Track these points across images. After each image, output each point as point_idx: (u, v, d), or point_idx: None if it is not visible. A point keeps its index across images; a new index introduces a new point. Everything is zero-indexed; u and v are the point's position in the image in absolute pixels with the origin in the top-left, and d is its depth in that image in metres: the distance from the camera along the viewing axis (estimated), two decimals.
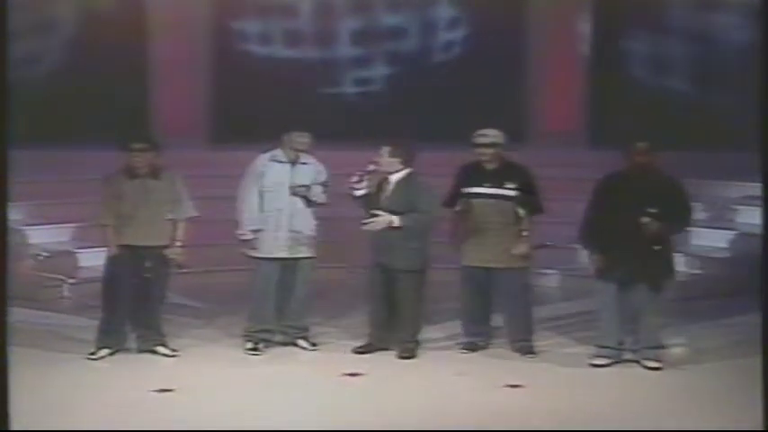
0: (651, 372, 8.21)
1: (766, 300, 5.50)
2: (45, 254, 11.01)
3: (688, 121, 12.99)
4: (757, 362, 5.50)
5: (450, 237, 8.80)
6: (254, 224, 8.61)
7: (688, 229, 8.65)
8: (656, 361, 8.24)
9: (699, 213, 8.45)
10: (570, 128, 13.84)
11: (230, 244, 8.99)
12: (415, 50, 14.71)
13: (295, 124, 8.80)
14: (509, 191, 8.60)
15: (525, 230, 8.62)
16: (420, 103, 14.15)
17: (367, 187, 8.53)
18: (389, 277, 8.58)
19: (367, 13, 14.64)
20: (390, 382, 8.04)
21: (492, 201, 8.62)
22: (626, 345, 8.38)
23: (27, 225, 11.10)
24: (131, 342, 8.64)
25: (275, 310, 8.76)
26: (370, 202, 8.53)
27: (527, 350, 8.68)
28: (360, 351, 8.67)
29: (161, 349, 8.59)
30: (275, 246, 8.64)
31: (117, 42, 13.69)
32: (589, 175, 8.86)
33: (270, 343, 8.77)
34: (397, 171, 8.55)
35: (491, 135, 8.66)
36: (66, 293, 10.53)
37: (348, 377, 8.07)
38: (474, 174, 8.70)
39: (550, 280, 10.88)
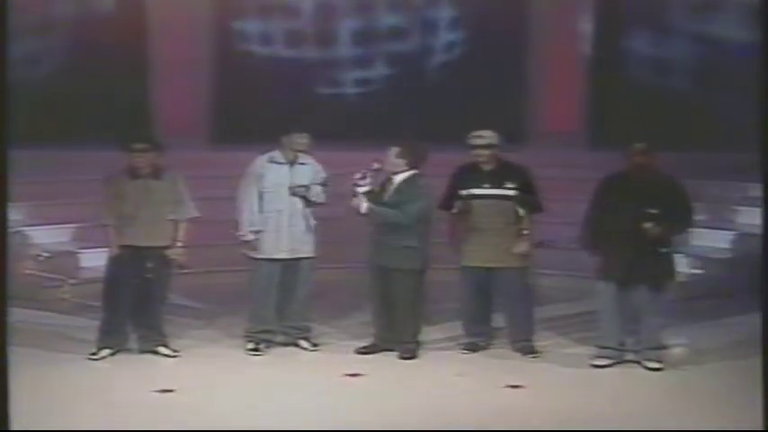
0: (652, 372, 8.21)
1: (766, 300, 5.50)
2: (45, 254, 11.00)
3: (689, 122, 12.99)
4: (757, 362, 5.50)
5: (448, 238, 8.80)
6: (255, 225, 8.61)
7: (690, 230, 8.62)
8: (657, 361, 8.25)
9: (699, 214, 8.43)
10: (570, 128, 13.84)
11: (231, 244, 8.99)
12: (415, 51, 14.72)
13: (294, 125, 8.81)
14: (509, 190, 8.61)
15: (526, 229, 8.63)
16: (420, 104, 14.15)
17: (370, 185, 8.53)
18: (386, 277, 8.58)
19: (367, 14, 14.64)
20: (391, 383, 8.04)
21: (492, 201, 8.62)
22: (627, 345, 8.38)
23: (27, 225, 11.09)
24: (132, 342, 8.64)
25: (276, 310, 8.77)
26: (372, 200, 8.53)
27: (529, 350, 8.68)
28: (363, 351, 8.67)
29: (162, 350, 8.59)
30: (276, 247, 8.64)
31: (117, 42, 13.71)
32: (589, 175, 8.86)
33: (271, 343, 8.77)
34: (401, 172, 8.56)
35: (487, 136, 8.66)
36: (66, 294, 10.51)
37: (349, 378, 8.07)
38: (472, 175, 8.69)
39: (550, 280, 10.87)
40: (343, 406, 7.46)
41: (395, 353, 8.59)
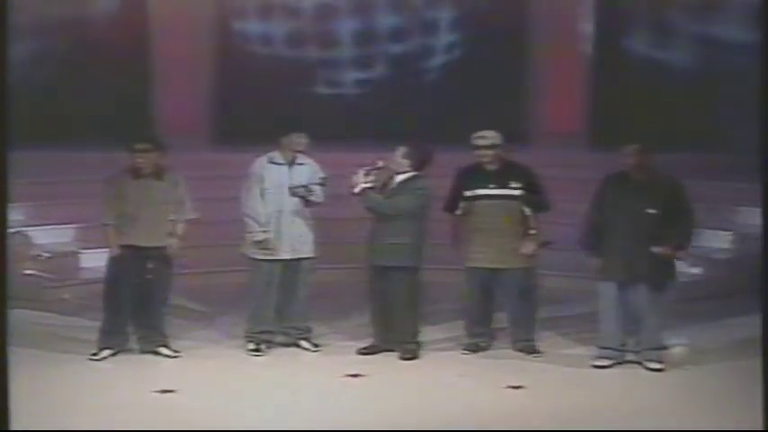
0: (653, 373, 8.21)
1: (766, 301, 5.50)
2: (46, 255, 11.00)
3: (689, 122, 12.98)
4: (758, 363, 5.50)
5: (451, 239, 8.80)
6: (264, 225, 8.60)
7: (695, 231, 8.57)
8: (658, 362, 8.24)
9: (699, 214, 8.42)
10: (571, 128, 13.83)
11: (231, 245, 8.99)
12: (415, 51, 14.71)
13: (293, 125, 8.81)
14: (514, 190, 8.61)
15: (532, 229, 8.62)
16: (421, 105, 14.15)
17: (372, 182, 8.54)
18: (381, 276, 8.58)
19: (368, 14, 14.64)
20: (392, 384, 8.04)
21: (498, 201, 8.61)
22: (627, 346, 8.38)
23: (27, 226, 11.09)
24: (133, 343, 8.65)
25: (276, 311, 8.77)
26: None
27: (531, 350, 8.69)
28: (364, 352, 8.67)
29: (163, 350, 8.59)
30: (278, 247, 8.64)
31: (118, 43, 13.72)
32: (590, 175, 8.86)
33: (271, 344, 8.77)
34: (404, 172, 8.56)
35: (490, 136, 8.66)
36: (67, 294, 10.51)
37: (350, 378, 8.07)
38: (476, 176, 8.69)
39: (550, 280, 10.86)
40: (344, 406, 7.46)
41: (395, 353, 8.59)
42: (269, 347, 8.75)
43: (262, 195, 8.64)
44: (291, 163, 8.70)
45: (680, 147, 10.91)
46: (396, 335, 8.63)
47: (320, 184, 8.73)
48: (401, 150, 8.56)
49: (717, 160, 11.82)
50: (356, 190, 8.49)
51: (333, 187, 8.78)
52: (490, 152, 8.63)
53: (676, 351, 8.62)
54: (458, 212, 8.77)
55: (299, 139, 8.70)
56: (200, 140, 13.53)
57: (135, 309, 8.55)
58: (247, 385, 7.94)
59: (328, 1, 14.58)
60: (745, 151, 7.38)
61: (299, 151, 8.71)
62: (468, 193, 8.70)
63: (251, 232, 8.62)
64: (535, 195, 8.66)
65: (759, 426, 5.56)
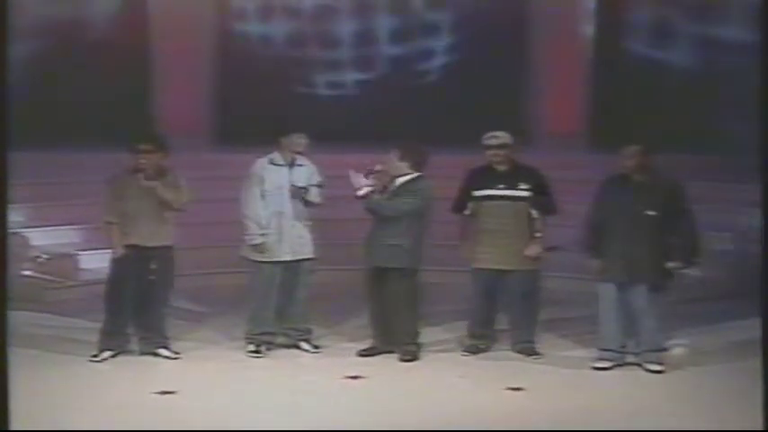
0: (653, 374, 8.20)
1: (766, 302, 5.50)
2: (45, 256, 11.00)
3: (690, 123, 12.98)
4: (757, 364, 5.50)
5: (460, 240, 8.78)
6: (263, 228, 8.59)
7: (699, 236, 8.56)
8: (658, 364, 8.24)
9: (699, 216, 8.42)
10: (571, 129, 13.83)
11: (231, 246, 8.98)
12: (416, 53, 14.71)
13: (294, 126, 8.81)
14: (523, 191, 8.60)
15: (538, 232, 8.62)
16: (421, 106, 14.15)
17: (372, 186, 8.52)
18: (379, 277, 8.58)
19: (368, 15, 14.64)
20: (392, 385, 8.04)
21: (506, 202, 8.61)
22: (628, 347, 8.38)
23: (27, 227, 11.09)
24: (133, 344, 8.64)
25: (276, 312, 8.77)
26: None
27: (530, 352, 8.68)
28: (364, 354, 8.67)
29: (163, 351, 8.59)
30: (279, 249, 8.63)
31: (119, 43, 13.72)
32: (590, 176, 8.85)
33: (272, 345, 8.77)
34: (404, 174, 8.55)
35: (501, 136, 8.67)
36: (66, 296, 10.50)
37: (350, 380, 8.07)
38: (486, 176, 8.68)
39: (550, 282, 10.86)
40: (344, 408, 7.46)
41: (395, 355, 8.59)
42: (269, 349, 8.75)
43: (262, 197, 8.64)
44: (291, 164, 8.70)
45: (680, 147, 10.89)
46: (395, 336, 8.62)
47: (318, 186, 8.73)
48: (396, 152, 8.55)
49: (716, 161, 11.81)
50: (360, 193, 8.48)
51: (332, 188, 8.77)
52: (501, 152, 8.63)
53: (676, 352, 8.62)
54: (466, 213, 8.76)
55: (299, 140, 8.70)
56: (200, 141, 13.52)
57: (136, 310, 8.55)
58: (247, 387, 7.94)
59: (328, 2, 14.58)
60: (745, 152, 7.38)
61: (299, 152, 8.71)
62: (476, 194, 8.69)
63: (249, 235, 8.62)
64: (543, 198, 8.65)
65: (759, 427, 5.56)
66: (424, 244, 8.60)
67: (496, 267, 8.65)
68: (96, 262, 9.79)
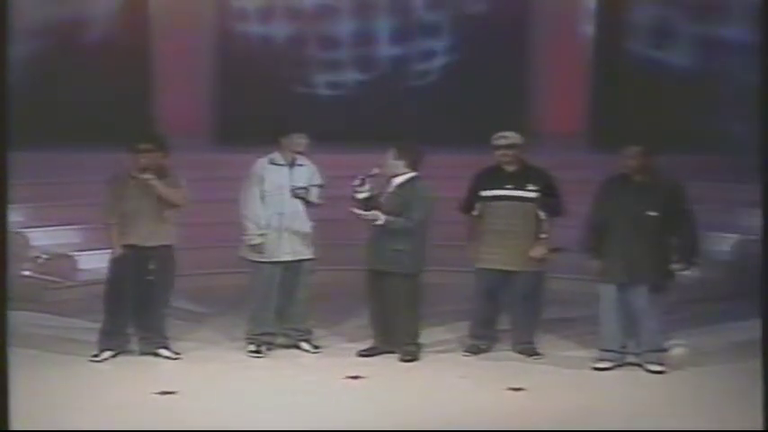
0: (653, 375, 8.20)
1: (766, 303, 5.50)
2: (45, 256, 11.00)
3: (690, 123, 12.98)
4: (758, 365, 5.50)
5: (467, 240, 8.76)
6: (262, 228, 8.59)
7: (700, 238, 8.55)
8: (659, 364, 8.24)
9: (700, 216, 8.41)
10: (572, 129, 13.83)
11: (232, 246, 8.97)
12: (416, 53, 14.71)
13: (294, 126, 8.81)
14: (531, 192, 8.59)
15: (544, 233, 8.61)
16: (421, 106, 14.15)
17: (369, 190, 8.51)
18: (381, 281, 8.57)
19: (368, 16, 14.64)
20: (392, 385, 8.04)
21: (514, 203, 8.59)
22: (628, 348, 8.38)
23: (26, 227, 11.08)
24: (134, 344, 8.64)
25: (277, 313, 8.76)
26: (372, 205, 8.50)
27: (531, 352, 8.68)
28: (364, 354, 8.66)
29: (163, 352, 8.58)
30: (279, 249, 8.63)
31: (119, 43, 13.73)
32: (591, 176, 8.85)
33: (272, 346, 8.77)
34: (401, 174, 8.54)
35: (511, 137, 8.66)
36: (66, 296, 10.50)
37: (350, 380, 8.07)
38: (494, 176, 8.66)
39: (551, 283, 10.86)
40: (345, 408, 7.46)
41: (396, 355, 8.59)
42: (269, 349, 8.74)
43: (262, 197, 8.63)
44: (292, 164, 8.69)
45: (680, 147, 10.89)
46: (396, 337, 8.62)
47: (318, 186, 8.72)
48: (392, 152, 8.53)
49: (716, 161, 11.81)
50: (380, 222, 8.38)
51: (332, 188, 8.77)
52: (510, 152, 8.62)
53: (676, 353, 8.61)
54: (474, 213, 8.75)
55: (300, 140, 8.70)
56: (199, 141, 13.52)
57: (136, 310, 8.54)
58: (247, 387, 7.94)
59: (328, 2, 14.58)
60: (745, 152, 7.38)
61: (299, 152, 8.70)
62: (484, 194, 8.67)
63: (248, 235, 8.61)
64: (551, 199, 8.63)
65: (759, 427, 5.56)
66: (427, 246, 8.58)
67: (501, 268, 8.63)
68: (96, 262, 9.78)
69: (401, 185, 8.52)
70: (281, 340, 8.85)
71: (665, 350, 8.37)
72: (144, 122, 13.12)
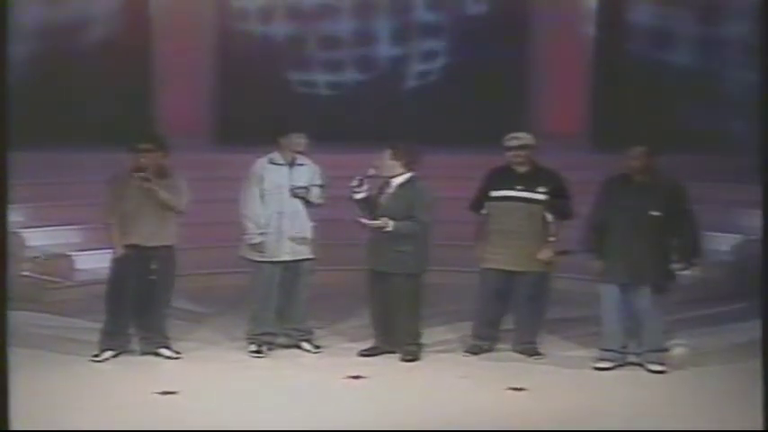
0: (654, 375, 8.20)
1: (766, 304, 5.50)
2: (44, 256, 10.99)
3: (691, 123, 12.98)
4: (758, 365, 5.51)
5: (475, 240, 8.75)
6: (261, 228, 8.59)
7: (701, 238, 8.54)
8: (659, 364, 8.24)
9: (700, 217, 8.41)
10: (573, 129, 13.83)
11: (232, 246, 8.97)
12: (416, 53, 14.71)
13: (294, 126, 8.80)
14: (540, 194, 8.57)
15: (552, 236, 8.59)
16: (421, 107, 14.15)
17: (367, 191, 8.50)
18: (383, 281, 8.56)
19: (368, 16, 14.64)
20: (393, 385, 8.03)
21: (523, 204, 8.57)
22: (629, 348, 8.38)
23: (26, 227, 11.07)
24: (135, 344, 8.63)
25: (277, 312, 8.76)
26: (370, 206, 8.49)
27: (532, 352, 8.67)
28: (365, 354, 8.66)
29: (164, 351, 8.58)
30: (278, 249, 8.63)
31: (119, 43, 13.73)
32: (591, 177, 8.84)
33: (273, 346, 8.76)
34: (398, 175, 8.52)
35: (523, 138, 8.65)
36: (66, 296, 10.49)
37: (351, 380, 8.06)
38: (505, 177, 8.64)
39: (552, 283, 10.86)
40: (345, 408, 7.46)
41: (397, 355, 8.58)
42: (270, 349, 8.74)
43: (261, 197, 8.62)
44: (291, 164, 8.69)
45: (680, 148, 10.89)
46: (397, 336, 8.61)
47: (319, 186, 8.72)
48: (388, 152, 8.52)
49: (717, 161, 11.80)
50: (389, 229, 8.35)
51: (332, 188, 8.76)
52: (522, 153, 8.60)
53: (677, 353, 8.61)
54: (483, 212, 8.74)
55: (299, 140, 8.69)
56: (199, 141, 13.52)
57: (137, 310, 8.54)
58: (248, 387, 7.93)
59: (328, 2, 14.58)
60: (745, 152, 7.38)
61: (299, 152, 8.70)
62: (494, 194, 8.66)
63: (247, 235, 8.61)
64: (561, 201, 8.61)
65: (759, 427, 5.56)
66: (429, 247, 8.57)
67: (506, 268, 8.62)
68: (96, 262, 9.78)
69: (401, 186, 8.51)
70: (281, 340, 8.84)
71: (665, 350, 8.38)
72: (144, 122, 13.12)
